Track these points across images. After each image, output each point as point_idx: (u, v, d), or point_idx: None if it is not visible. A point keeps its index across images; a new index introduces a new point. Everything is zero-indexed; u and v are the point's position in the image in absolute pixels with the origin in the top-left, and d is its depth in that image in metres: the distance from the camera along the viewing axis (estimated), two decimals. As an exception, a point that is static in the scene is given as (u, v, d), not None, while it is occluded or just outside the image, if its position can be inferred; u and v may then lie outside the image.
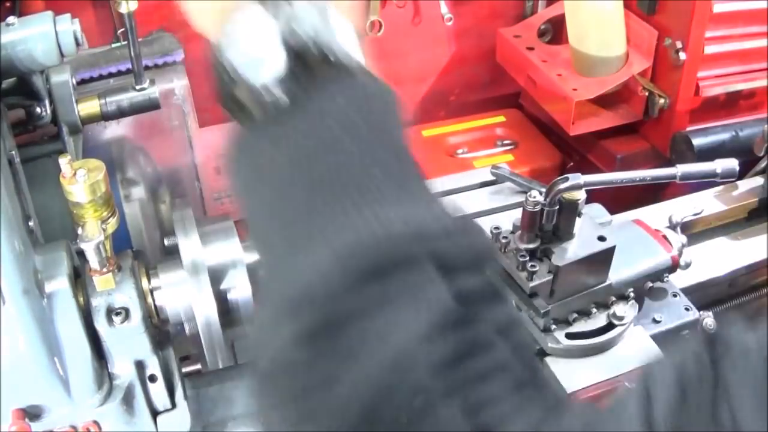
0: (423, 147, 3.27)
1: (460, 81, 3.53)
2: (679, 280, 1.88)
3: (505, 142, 3.30)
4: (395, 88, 3.53)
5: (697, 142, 2.51)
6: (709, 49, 2.68)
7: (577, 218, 1.52)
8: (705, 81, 2.74)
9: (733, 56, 2.75)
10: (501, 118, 3.45)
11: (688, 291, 1.89)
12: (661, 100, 2.81)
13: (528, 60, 3.04)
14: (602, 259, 1.55)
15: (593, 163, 3.09)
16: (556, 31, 3.25)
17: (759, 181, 2.17)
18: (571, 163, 3.23)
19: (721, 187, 2.15)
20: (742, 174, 2.31)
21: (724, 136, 2.52)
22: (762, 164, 2.21)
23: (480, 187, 1.92)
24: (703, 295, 1.96)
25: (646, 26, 2.78)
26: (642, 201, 2.08)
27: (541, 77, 2.97)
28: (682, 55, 2.66)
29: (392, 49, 3.32)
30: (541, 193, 1.49)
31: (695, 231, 2.07)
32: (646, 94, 2.83)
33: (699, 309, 1.93)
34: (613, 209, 2.04)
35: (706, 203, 2.11)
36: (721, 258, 1.97)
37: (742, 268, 1.96)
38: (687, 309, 1.72)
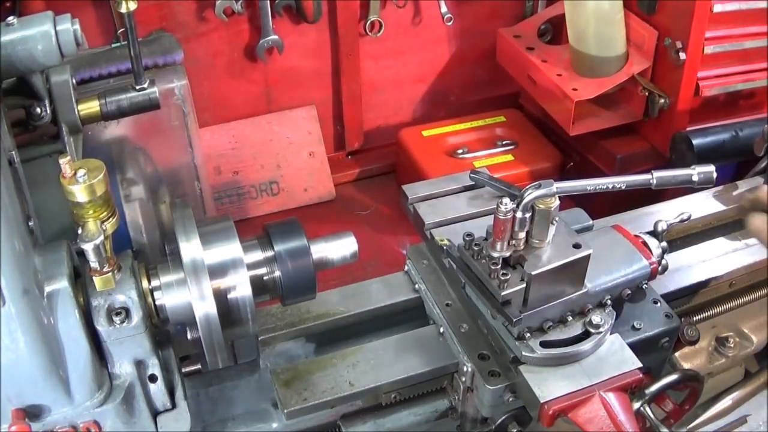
0: (423, 147, 3.28)
1: (460, 81, 3.54)
2: (677, 280, 1.88)
3: (505, 142, 3.31)
4: (395, 88, 3.55)
5: (697, 142, 2.51)
6: (709, 49, 2.68)
7: (552, 225, 1.49)
8: (705, 81, 2.75)
9: (733, 56, 2.76)
10: (501, 118, 3.46)
11: (684, 292, 1.89)
12: (661, 100, 2.81)
13: (528, 60, 3.05)
14: (577, 267, 1.52)
15: (593, 163, 3.10)
16: (556, 31, 3.26)
17: (759, 181, 2.17)
18: (571, 163, 3.24)
19: (721, 187, 2.15)
20: (742, 174, 2.32)
21: (724, 136, 2.52)
22: (762, 164, 2.21)
23: (461, 191, 1.90)
24: (702, 295, 1.96)
25: (646, 26, 2.79)
26: (643, 200, 2.08)
27: (541, 77, 2.98)
28: (682, 55, 2.67)
29: (392, 49, 3.33)
30: (513, 200, 1.45)
31: (696, 231, 2.07)
32: (646, 94, 2.84)
33: (693, 312, 1.94)
34: (613, 209, 2.04)
35: (707, 203, 2.10)
36: (721, 258, 1.97)
37: (742, 268, 1.96)
38: (668, 316, 1.69)
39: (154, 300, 1.42)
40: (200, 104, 2.80)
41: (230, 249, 1.46)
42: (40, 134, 1.76)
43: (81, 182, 1.24)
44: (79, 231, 1.26)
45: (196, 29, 2.94)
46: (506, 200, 1.43)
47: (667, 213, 1.99)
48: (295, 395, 1.57)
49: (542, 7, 3.33)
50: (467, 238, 1.54)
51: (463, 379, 1.62)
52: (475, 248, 1.52)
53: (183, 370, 1.59)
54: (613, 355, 1.56)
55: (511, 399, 1.58)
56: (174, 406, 1.51)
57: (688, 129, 2.74)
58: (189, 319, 1.42)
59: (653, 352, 1.69)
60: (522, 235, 1.47)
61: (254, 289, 1.45)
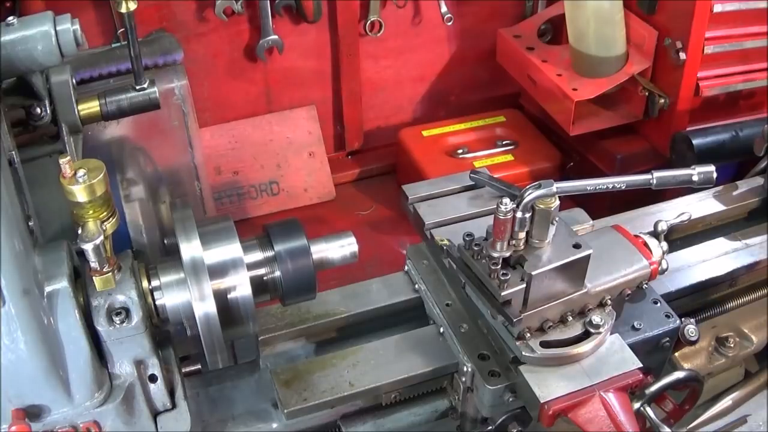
0: (423, 147, 3.28)
1: (460, 81, 3.53)
2: (677, 280, 1.88)
3: (505, 142, 3.31)
4: (395, 88, 3.54)
5: (697, 142, 2.51)
6: (709, 49, 2.68)
7: (552, 225, 1.49)
8: (705, 81, 2.75)
9: (733, 56, 2.76)
10: (501, 118, 3.46)
11: (684, 292, 1.89)
12: (661, 100, 2.81)
13: (528, 60, 3.05)
14: (577, 267, 1.52)
15: (593, 163, 3.10)
16: (556, 31, 3.25)
17: (759, 181, 2.18)
18: (571, 163, 3.24)
19: (721, 187, 2.15)
20: (742, 174, 2.32)
21: (724, 136, 2.52)
22: (762, 164, 2.21)
23: (461, 191, 1.90)
24: (702, 295, 1.96)
25: (646, 26, 2.78)
26: (643, 200, 2.08)
27: (541, 77, 2.98)
28: (682, 55, 2.66)
29: (392, 49, 3.33)
30: (513, 200, 1.44)
31: (696, 231, 2.07)
32: (646, 94, 2.84)
33: (693, 312, 1.94)
34: (613, 209, 2.04)
35: (707, 203, 2.11)
36: (721, 258, 1.97)
37: (742, 268, 1.96)
38: (668, 316, 1.69)
39: (154, 300, 1.42)
40: (200, 104, 2.80)
41: (230, 249, 1.46)
42: (40, 134, 1.76)
43: (81, 182, 1.24)
44: (79, 231, 1.26)
45: (196, 29, 2.94)
46: (506, 200, 1.43)
47: (667, 213, 2.00)
48: (295, 395, 1.57)
49: (542, 7, 3.33)
50: (467, 238, 1.54)
51: (463, 379, 1.62)
52: (475, 248, 1.52)
53: (183, 370, 1.59)
54: (613, 355, 1.56)
55: (511, 399, 1.58)
56: (174, 406, 1.51)
57: (688, 129, 2.74)
58: (189, 319, 1.42)
59: (653, 352, 1.69)
60: (522, 235, 1.47)
61: (254, 289, 1.45)
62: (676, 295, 1.86)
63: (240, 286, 1.44)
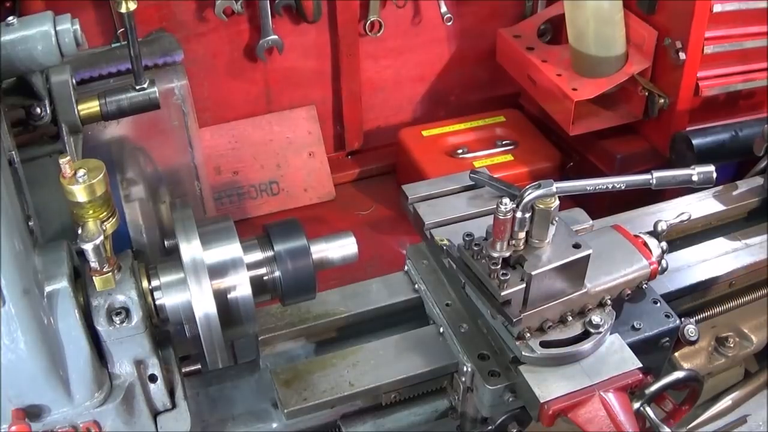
0: (423, 147, 3.28)
1: (460, 81, 3.53)
2: (677, 280, 1.88)
3: (505, 142, 3.31)
4: (395, 88, 3.55)
5: (697, 142, 2.51)
6: (709, 49, 2.68)
7: (552, 225, 1.49)
8: (705, 81, 2.75)
9: (733, 56, 2.76)
10: (501, 118, 3.46)
11: (684, 292, 1.89)
12: (661, 100, 2.81)
13: (528, 60, 3.05)
14: (577, 267, 1.53)
15: (593, 163, 3.10)
16: (556, 31, 3.26)
17: (759, 181, 2.18)
18: (571, 163, 3.24)
19: (720, 187, 2.15)
20: (742, 174, 2.32)
21: (724, 136, 2.52)
22: (762, 164, 2.21)
23: (461, 191, 1.90)
24: (702, 295, 1.96)
25: (646, 26, 2.78)
26: (643, 200, 2.08)
27: (541, 77, 2.98)
28: (682, 55, 2.66)
29: (392, 49, 3.33)
30: (513, 200, 1.45)
31: (695, 231, 2.07)
32: (646, 94, 2.84)
33: (693, 312, 1.94)
34: (613, 209, 2.04)
35: (707, 203, 2.11)
36: (721, 258, 1.97)
37: (742, 268, 1.96)
38: (668, 316, 1.69)
39: (154, 300, 1.42)
40: (200, 104, 2.80)
41: (230, 249, 1.46)
42: (40, 134, 1.76)
43: (81, 182, 1.24)
44: (79, 231, 1.26)
45: (196, 29, 2.94)
46: (506, 200, 1.43)
47: (667, 213, 2.00)
48: (295, 395, 1.57)
49: (542, 7, 3.33)
50: (467, 238, 1.54)
51: (463, 379, 1.62)
52: (475, 248, 1.52)
53: (183, 370, 1.59)
54: (613, 355, 1.56)
55: (511, 399, 1.58)
56: (174, 406, 1.51)
57: (688, 129, 2.74)
58: (189, 319, 1.43)
59: (653, 352, 1.69)
60: (522, 235, 1.47)
61: (254, 289, 1.45)
62: (676, 294, 1.86)
63: (240, 286, 1.44)
